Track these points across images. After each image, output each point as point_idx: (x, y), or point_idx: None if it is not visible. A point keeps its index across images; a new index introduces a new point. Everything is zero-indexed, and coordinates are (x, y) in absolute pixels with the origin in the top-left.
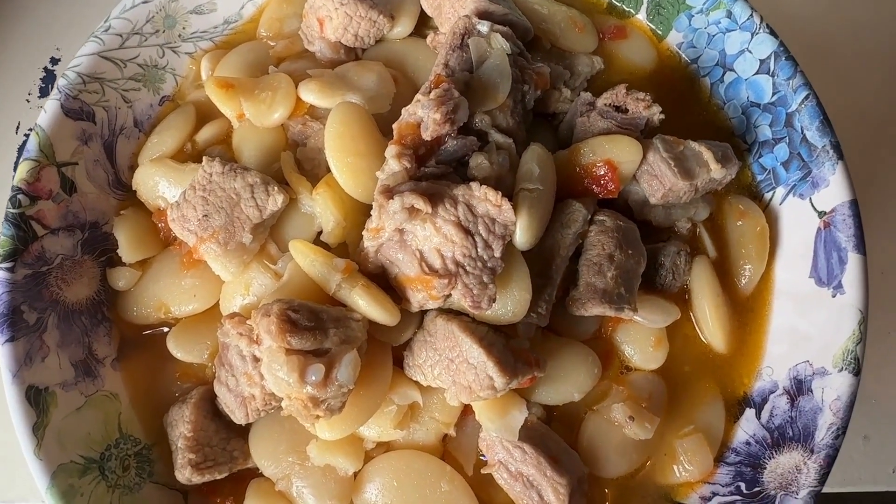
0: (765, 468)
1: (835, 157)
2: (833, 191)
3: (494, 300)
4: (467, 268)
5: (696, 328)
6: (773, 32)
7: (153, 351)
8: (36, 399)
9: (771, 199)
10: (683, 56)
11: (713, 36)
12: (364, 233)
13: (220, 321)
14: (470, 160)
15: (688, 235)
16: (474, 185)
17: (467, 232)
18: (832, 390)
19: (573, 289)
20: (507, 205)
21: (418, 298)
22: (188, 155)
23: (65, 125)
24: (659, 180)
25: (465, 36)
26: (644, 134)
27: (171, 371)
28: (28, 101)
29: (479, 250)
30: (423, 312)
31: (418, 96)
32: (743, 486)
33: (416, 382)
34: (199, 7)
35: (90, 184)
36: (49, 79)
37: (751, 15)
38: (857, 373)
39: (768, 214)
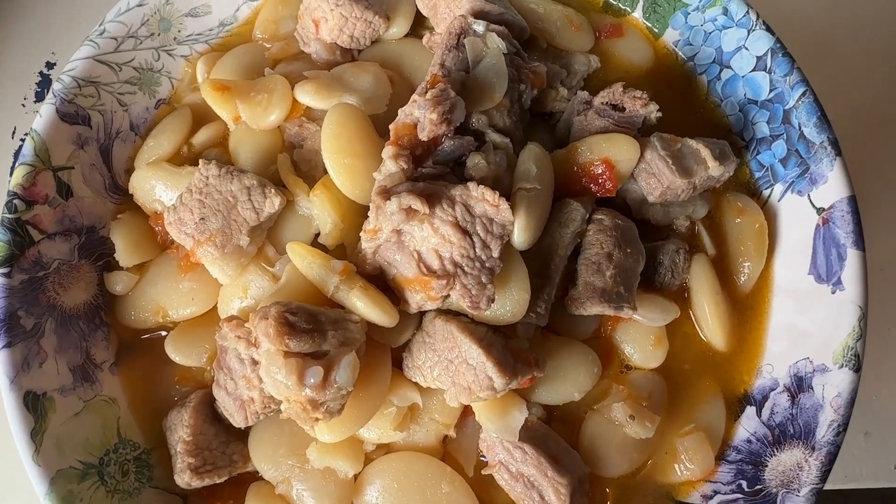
0: (766, 466)
1: (833, 154)
2: (831, 187)
3: (493, 300)
4: (465, 268)
5: (696, 326)
6: (769, 29)
7: (151, 355)
8: (34, 404)
9: (769, 196)
10: (680, 54)
11: (710, 33)
12: (361, 234)
13: (218, 324)
14: (467, 160)
15: (686, 233)
16: (472, 185)
17: (465, 232)
18: (833, 387)
19: (572, 288)
20: (504, 204)
21: (417, 299)
22: (185, 158)
23: (60, 129)
24: (657, 178)
25: (461, 36)
26: (641, 132)
27: (170, 375)
28: (24, 105)
29: (477, 250)
30: (422, 313)
31: (414, 97)
32: (744, 484)
33: (416, 384)
34: (193, 10)
35: (86, 188)
36: (45, 83)
37: (747, 12)
38: (857, 369)
39: (767, 211)
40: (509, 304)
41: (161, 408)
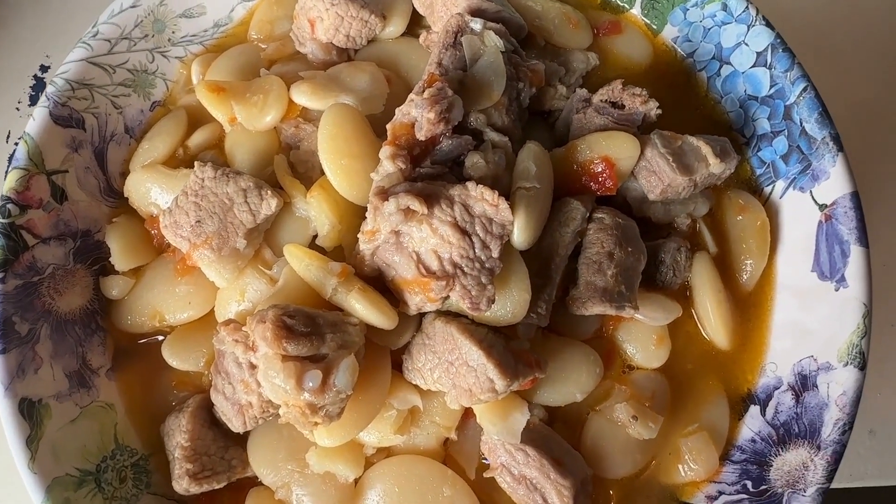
0: (771, 466)
1: (835, 149)
2: (834, 183)
3: (493, 301)
4: (465, 269)
5: (699, 325)
6: (769, 24)
7: (148, 360)
8: (29, 411)
9: (771, 193)
10: (679, 50)
11: (709, 29)
12: (360, 235)
13: (215, 328)
14: (465, 160)
15: (688, 231)
16: (470, 184)
17: (464, 232)
18: (838, 385)
19: (573, 288)
20: (504, 204)
21: (416, 301)
22: (180, 160)
23: (54, 133)
24: (657, 176)
25: (458, 34)
26: (641, 130)
27: (167, 380)
28: (18, 109)
29: (476, 251)
30: (422, 315)
31: (412, 96)
32: (749, 484)
33: (416, 386)
34: (188, 11)
35: (81, 192)
36: (39, 86)
37: (746, 7)
38: (862, 367)
39: (768, 208)
40: (510, 304)
41: (159, 413)
